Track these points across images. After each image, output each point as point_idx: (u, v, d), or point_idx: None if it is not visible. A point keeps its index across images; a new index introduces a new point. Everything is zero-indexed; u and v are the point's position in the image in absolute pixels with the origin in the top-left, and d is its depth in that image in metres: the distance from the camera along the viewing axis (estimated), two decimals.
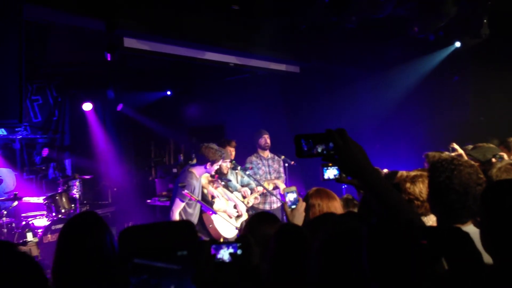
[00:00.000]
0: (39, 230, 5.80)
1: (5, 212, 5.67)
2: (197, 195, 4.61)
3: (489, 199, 1.50)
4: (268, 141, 6.22)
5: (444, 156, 3.62)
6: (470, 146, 4.36)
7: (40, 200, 6.19)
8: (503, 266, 1.37)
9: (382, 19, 5.33)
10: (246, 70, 7.73)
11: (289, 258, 1.74)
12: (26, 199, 6.16)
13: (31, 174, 7.84)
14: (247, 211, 5.40)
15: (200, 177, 4.73)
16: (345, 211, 2.96)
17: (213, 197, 5.15)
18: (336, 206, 2.57)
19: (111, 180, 8.82)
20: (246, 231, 2.41)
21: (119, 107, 9.13)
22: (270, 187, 5.87)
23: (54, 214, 5.99)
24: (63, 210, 6.08)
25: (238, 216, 5.28)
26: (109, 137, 9.14)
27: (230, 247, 1.28)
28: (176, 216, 4.48)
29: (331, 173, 1.60)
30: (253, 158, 6.18)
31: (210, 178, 5.24)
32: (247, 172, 5.78)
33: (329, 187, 2.66)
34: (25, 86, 6.73)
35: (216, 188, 5.25)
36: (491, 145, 4.22)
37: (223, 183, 5.47)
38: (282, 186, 5.93)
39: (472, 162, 2.06)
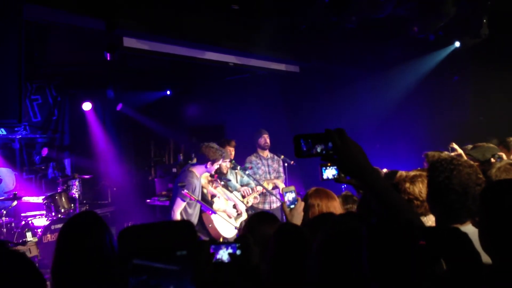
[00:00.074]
0: (39, 230, 5.80)
1: (4, 212, 5.67)
2: (198, 194, 4.62)
3: (488, 199, 1.50)
4: (268, 141, 6.22)
5: (444, 155, 3.61)
6: (470, 146, 4.36)
7: (39, 199, 6.19)
8: (502, 266, 1.37)
9: (382, 19, 5.34)
10: (246, 70, 7.73)
11: (288, 258, 1.74)
12: (25, 198, 6.16)
13: (31, 173, 7.84)
14: (247, 210, 5.40)
15: (201, 176, 4.73)
16: (345, 207, 2.97)
17: (212, 196, 5.15)
18: (336, 206, 2.57)
19: (111, 179, 8.82)
20: (245, 231, 2.41)
21: (119, 106, 9.13)
22: (270, 187, 5.87)
23: (53, 213, 5.99)
24: (62, 210, 6.08)
25: (238, 216, 5.28)
26: (109, 137, 9.13)
27: (229, 247, 1.28)
28: (177, 216, 4.48)
29: (330, 173, 1.60)
30: (253, 157, 6.18)
31: (209, 178, 5.25)
32: (247, 172, 5.78)
33: (329, 187, 2.66)
34: (25, 86, 6.72)
35: (215, 187, 5.25)
36: (491, 145, 4.22)
37: (222, 182, 5.47)
38: (281, 185, 5.93)
39: (472, 162, 2.06)
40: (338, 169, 1.51)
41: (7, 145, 7.52)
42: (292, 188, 2.49)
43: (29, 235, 5.49)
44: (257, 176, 5.96)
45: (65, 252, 2.04)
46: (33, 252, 5.27)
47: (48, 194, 6.26)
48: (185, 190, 4.28)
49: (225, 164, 5.58)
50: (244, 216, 5.30)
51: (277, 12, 5.69)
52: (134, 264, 0.90)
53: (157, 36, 5.52)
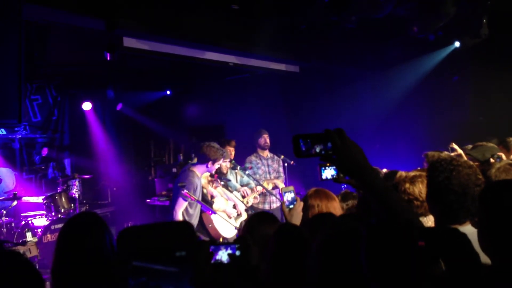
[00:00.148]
0: (39, 230, 5.80)
1: (4, 212, 5.67)
2: (198, 194, 4.62)
3: (488, 199, 1.50)
4: (268, 140, 6.22)
5: (444, 156, 3.62)
6: (470, 146, 4.36)
7: (39, 199, 6.19)
8: (502, 267, 1.37)
9: (382, 19, 5.33)
10: (246, 70, 7.73)
11: (288, 258, 1.74)
12: (25, 198, 6.16)
13: (31, 173, 7.84)
14: (247, 210, 5.40)
15: (201, 176, 4.74)
16: (345, 204, 2.97)
17: (212, 196, 5.15)
18: (335, 207, 2.57)
19: (111, 179, 8.82)
20: (245, 231, 2.41)
21: (119, 106, 9.13)
22: (270, 187, 5.87)
23: (53, 213, 5.99)
24: (62, 210, 6.08)
25: (238, 216, 5.28)
26: (109, 137, 9.14)
27: (229, 248, 1.27)
28: (179, 216, 4.47)
29: (329, 173, 1.60)
30: (253, 157, 6.18)
31: (209, 178, 5.25)
32: (247, 172, 5.78)
33: (328, 187, 2.66)
34: (25, 86, 6.72)
35: (215, 187, 5.25)
36: (490, 144, 4.22)
37: (222, 182, 5.47)
38: (281, 185, 5.93)
39: (471, 163, 2.07)
40: (337, 169, 1.51)
41: (7, 145, 7.52)
42: (291, 188, 2.49)
43: (29, 235, 5.49)
44: (257, 176, 5.96)
45: (65, 252, 2.04)
46: (33, 252, 5.27)
47: (48, 194, 6.26)
48: (185, 190, 4.28)
49: (225, 164, 5.58)
50: (244, 216, 5.30)
51: (277, 12, 5.69)
52: (133, 266, 0.90)
53: (157, 36, 5.52)
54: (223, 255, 1.27)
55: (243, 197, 5.55)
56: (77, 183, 6.73)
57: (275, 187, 5.97)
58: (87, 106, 8.64)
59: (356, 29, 5.59)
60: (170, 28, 5.41)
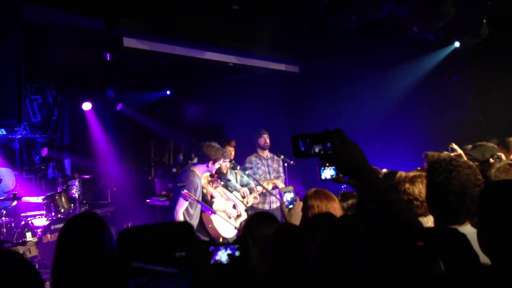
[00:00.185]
0: (39, 230, 5.80)
1: (4, 212, 5.67)
2: (199, 194, 4.62)
3: (487, 199, 1.50)
4: (268, 140, 6.22)
5: (444, 156, 3.62)
6: (470, 146, 4.36)
7: (39, 199, 6.19)
8: (501, 267, 1.37)
9: (382, 19, 5.34)
10: (246, 70, 7.73)
11: (287, 258, 1.75)
12: (25, 198, 6.16)
13: (31, 173, 7.83)
14: (247, 211, 5.40)
15: (202, 176, 4.74)
16: (346, 203, 2.97)
17: (212, 197, 5.15)
18: (335, 207, 2.57)
19: (111, 179, 8.82)
20: (245, 231, 2.41)
21: (119, 106, 9.13)
22: (270, 187, 5.87)
23: (53, 213, 5.99)
24: (62, 210, 6.08)
25: (238, 216, 5.28)
26: (109, 137, 9.14)
27: (228, 248, 1.28)
28: (180, 216, 4.47)
29: (328, 173, 1.60)
30: (253, 158, 6.18)
31: (209, 178, 5.25)
32: (247, 172, 5.78)
33: (328, 187, 2.66)
34: (25, 86, 6.72)
35: (215, 188, 5.25)
36: (490, 144, 4.22)
37: (222, 183, 5.47)
38: (281, 186, 5.93)
39: (471, 163, 2.06)
40: (336, 169, 1.51)
41: (7, 145, 7.52)
42: (291, 188, 2.49)
43: (28, 235, 5.49)
44: (257, 176, 5.96)
45: (65, 252, 2.04)
46: (33, 252, 5.27)
47: (48, 194, 6.26)
48: (185, 190, 4.28)
49: (225, 164, 5.58)
50: (244, 216, 5.30)
51: (277, 12, 5.69)
52: (133, 267, 0.90)
53: (157, 36, 5.52)
54: (222, 256, 1.27)
55: (243, 197, 5.55)
56: (77, 183, 6.72)
57: (275, 187, 5.97)
58: (87, 106, 8.64)
59: (356, 29, 5.59)
60: (170, 28, 5.41)
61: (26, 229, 5.62)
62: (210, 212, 4.74)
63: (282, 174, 6.27)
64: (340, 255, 1.30)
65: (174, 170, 8.65)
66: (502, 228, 1.40)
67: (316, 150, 1.30)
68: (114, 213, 8.06)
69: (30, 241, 5.38)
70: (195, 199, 4.38)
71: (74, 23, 4.97)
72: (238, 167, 5.65)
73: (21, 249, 5.04)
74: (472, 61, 7.22)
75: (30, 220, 6.01)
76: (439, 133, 6.77)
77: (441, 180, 1.93)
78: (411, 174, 2.53)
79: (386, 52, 7.44)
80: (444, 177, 1.93)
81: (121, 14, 4.82)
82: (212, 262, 1.24)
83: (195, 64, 6.78)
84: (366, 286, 1.16)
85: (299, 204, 2.43)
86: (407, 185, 2.45)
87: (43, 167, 8.00)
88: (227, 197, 5.32)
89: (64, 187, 6.62)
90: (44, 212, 6.06)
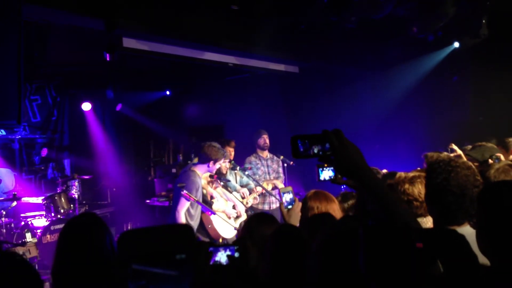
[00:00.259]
0: (38, 231, 5.80)
1: (4, 212, 5.67)
2: (200, 194, 4.62)
3: (487, 200, 1.50)
4: (267, 141, 6.22)
5: (443, 156, 3.62)
6: (469, 146, 4.37)
7: (39, 200, 6.19)
8: (500, 267, 1.37)
9: (382, 19, 5.34)
10: (246, 70, 7.73)
11: (287, 259, 1.75)
12: (25, 199, 6.16)
13: (30, 174, 7.83)
14: (246, 211, 5.40)
15: (202, 176, 4.74)
16: (346, 204, 2.97)
17: (212, 197, 5.15)
18: (335, 209, 2.57)
19: (110, 180, 8.82)
20: (244, 231, 2.41)
21: (118, 107, 9.13)
22: (269, 188, 5.86)
23: (53, 214, 5.99)
24: (62, 210, 6.07)
25: (237, 217, 5.28)
26: (108, 137, 9.14)
27: (228, 249, 1.28)
28: (182, 216, 4.46)
29: (327, 174, 1.60)
30: (252, 158, 6.18)
31: (209, 179, 5.25)
32: (246, 172, 5.78)
33: (328, 188, 2.66)
34: (24, 86, 6.72)
35: (215, 188, 5.25)
36: (490, 145, 4.22)
37: (222, 183, 5.47)
38: (281, 186, 5.93)
39: (470, 164, 2.06)
40: (335, 170, 1.51)
41: (6, 146, 7.52)
42: (290, 188, 2.49)
43: (28, 236, 5.49)
44: (257, 176, 5.96)
45: (66, 253, 2.04)
46: (33, 252, 5.27)
47: (48, 194, 6.26)
48: (185, 191, 4.28)
49: (224, 165, 5.57)
50: (244, 217, 5.30)
51: (277, 12, 5.69)
52: (133, 269, 0.90)
53: (157, 36, 5.52)
54: (222, 257, 1.27)
55: (243, 198, 5.55)
56: (76, 183, 6.72)
57: (275, 187, 5.96)
58: (86, 106, 8.64)
59: (356, 29, 5.59)
60: (170, 28, 5.41)
61: (25, 230, 5.62)
62: (209, 213, 4.74)
63: (281, 175, 6.27)
64: (340, 255, 1.29)
65: (173, 170, 8.65)
66: (501, 229, 1.40)
67: (315, 150, 1.30)
68: (114, 214, 8.06)
69: (29, 241, 5.38)
70: (194, 199, 4.38)
71: (74, 23, 4.97)
72: (238, 168, 5.64)
73: (20, 250, 5.04)
74: (472, 61, 7.22)
75: (30, 220, 6.01)
76: (439, 133, 6.78)
77: (440, 181, 1.93)
78: (411, 174, 2.52)
79: (386, 52, 7.45)
80: (443, 178, 1.93)
81: (121, 14, 4.83)
82: (211, 263, 1.24)
83: (195, 64, 6.78)
84: (366, 286, 1.16)
85: (298, 205, 2.43)
86: (406, 186, 2.45)
87: (42, 168, 8.00)
88: (227, 198, 5.32)
89: (64, 188, 6.62)
90: (43, 212, 6.07)
